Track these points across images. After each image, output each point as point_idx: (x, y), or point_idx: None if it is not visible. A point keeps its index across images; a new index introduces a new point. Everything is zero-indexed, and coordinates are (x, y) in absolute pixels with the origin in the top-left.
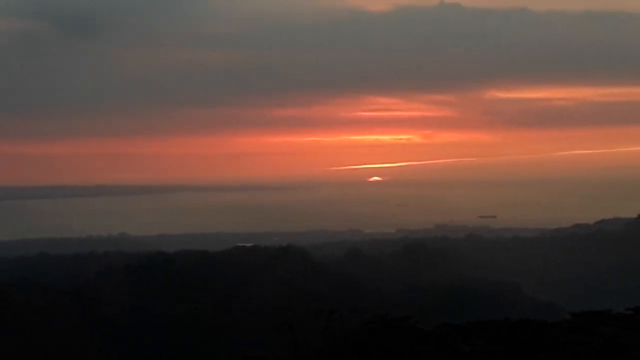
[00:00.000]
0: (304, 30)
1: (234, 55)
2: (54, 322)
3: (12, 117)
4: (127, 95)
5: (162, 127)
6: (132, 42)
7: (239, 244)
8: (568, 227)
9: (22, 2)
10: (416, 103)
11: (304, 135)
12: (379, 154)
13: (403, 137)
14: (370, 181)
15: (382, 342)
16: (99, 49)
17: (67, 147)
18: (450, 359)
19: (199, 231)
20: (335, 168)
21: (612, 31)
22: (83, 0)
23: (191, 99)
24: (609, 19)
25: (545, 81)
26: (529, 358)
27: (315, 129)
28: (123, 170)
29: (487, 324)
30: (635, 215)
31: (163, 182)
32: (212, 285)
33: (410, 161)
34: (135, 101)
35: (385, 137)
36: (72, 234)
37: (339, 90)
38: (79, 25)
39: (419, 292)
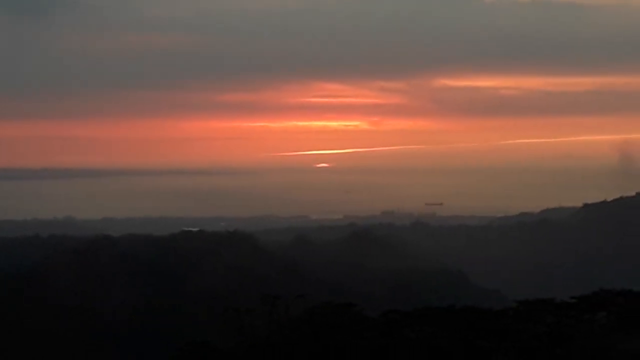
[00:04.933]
0: (252, 15)
1: (182, 40)
2: None
3: None
4: (74, 78)
5: (108, 110)
6: (80, 25)
7: (185, 229)
8: (514, 216)
9: None
10: (365, 90)
11: (251, 121)
12: (326, 140)
13: (351, 123)
14: (318, 167)
15: (326, 329)
16: (47, 31)
17: (12, 130)
18: (395, 345)
19: (144, 215)
20: (282, 154)
21: (560, 21)
22: None
23: (138, 82)
24: (558, 9)
25: (493, 70)
26: (474, 345)
27: (263, 114)
28: (68, 154)
29: (432, 311)
30: (579, 205)
31: (109, 165)
32: (158, 270)
33: (358, 148)
34: (81, 84)
35: (333, 124)
36: (18, 216)
37: (287, 75)
38: (27, 6)
39: (365, 279)
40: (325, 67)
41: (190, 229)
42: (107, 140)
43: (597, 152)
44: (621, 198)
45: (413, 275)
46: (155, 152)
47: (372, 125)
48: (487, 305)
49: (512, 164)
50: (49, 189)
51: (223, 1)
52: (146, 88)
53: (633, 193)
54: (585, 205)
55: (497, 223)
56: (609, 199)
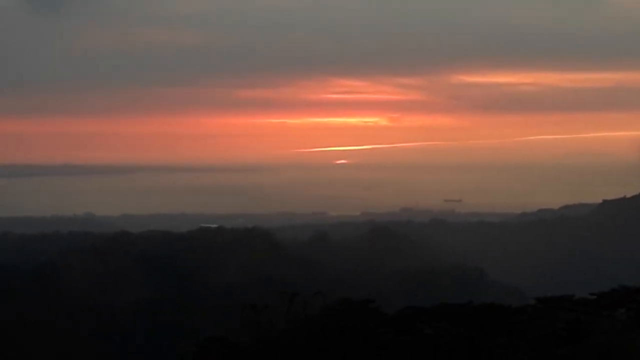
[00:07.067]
0: (270, 11)
1: (200, 36)
2: (16, 303)
3: None
4: (93, 75)
5: (127, 106)
6: (99, 21)
7: (204, 225)
8: (533, 212)
9: None
10: (384, 86)
11: (270, 117)
12: (345, 136)
13: (370, 119)
14: (337, 164)
15: (344, 325)
16: (66, 27)
17: (33, 126)
18: (413, 342)
19: (163, 212)
20: (301, 150)
21: (579, 17)
22: None
23: (156, 79)
24: (577, 4)
25: (512, 66)
26: (491, 342)
27: (281, 111)
28: (88, 150)
29: (450, 307)
30: (599, 201)
31: (128, 162)
32: (176, 266)
33: (377, 144)
34: (100, 80)
35: (352, 120)
36: (37, 213)
37: (306, 72)
38: (46, 1)
39: (383, 276)
40: (344, 63)
41: (208, 225)
42: (126, 137)
43: (617, 148)
44: None
45: (431, 272)
46: (174, 148)
47: (391, 122)
48: (506, 302)
49: (531, 161)
50: (69, 185)
51: None
52: (164, 85)
53: None
54: (605, 202)
55: (516, 220)
56: (629, 195)
